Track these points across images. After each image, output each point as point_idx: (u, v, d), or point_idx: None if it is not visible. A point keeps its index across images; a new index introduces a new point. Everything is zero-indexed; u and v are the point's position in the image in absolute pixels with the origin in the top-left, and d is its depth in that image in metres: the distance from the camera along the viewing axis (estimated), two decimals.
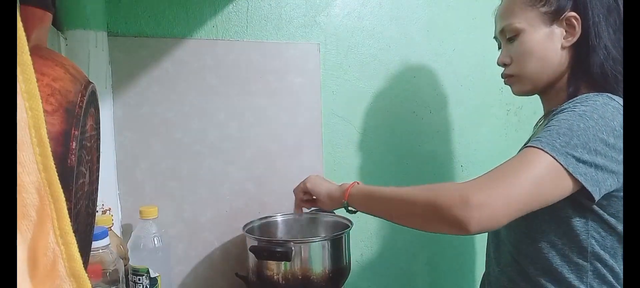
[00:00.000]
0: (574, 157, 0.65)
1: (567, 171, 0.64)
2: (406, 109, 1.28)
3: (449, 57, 1.32)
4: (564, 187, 0.65)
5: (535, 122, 1.01)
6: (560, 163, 0.64)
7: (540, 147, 0.65)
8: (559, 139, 0.65)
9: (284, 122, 1.15)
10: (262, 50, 1.12)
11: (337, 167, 1.22)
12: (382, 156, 1.26)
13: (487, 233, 0.94)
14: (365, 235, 1.27)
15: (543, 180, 0.64)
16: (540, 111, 0.94)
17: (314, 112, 1.18)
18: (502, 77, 0.86)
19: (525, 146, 0.71)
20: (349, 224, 1.03)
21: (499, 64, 0.85)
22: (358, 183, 0.87)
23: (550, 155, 0.64)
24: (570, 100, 0.74)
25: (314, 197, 0.96)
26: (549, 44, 0.78)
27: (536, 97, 0.88)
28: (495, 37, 0.88)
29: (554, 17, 0.77)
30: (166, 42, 1.04)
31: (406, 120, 1.28)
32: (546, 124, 0.71)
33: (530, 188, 0.64)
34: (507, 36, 0.81)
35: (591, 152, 0.65)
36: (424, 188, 0.71)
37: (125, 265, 0.86)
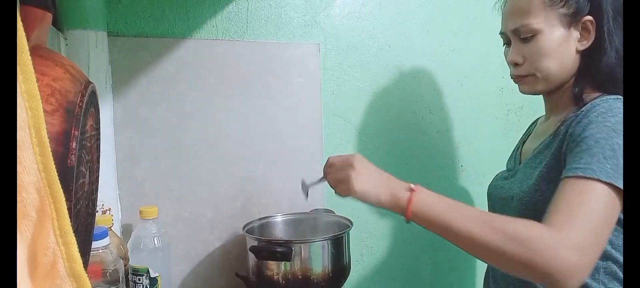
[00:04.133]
0: (623, 177, 0.65)
1: (622, 191, 0.64)
2: (406, 109, 1.28)
3: (449, 57, 1.32)
4: (620, 206, 0.66)
5: (535, 120, 1.01)
6: (618, 187, 0.64)
7: (597, 177, 0.64)
8: (608, 162, 0.65)
9: (284, 122, 1.15)
10: (262, 50, 1.12)
11: None
12: (382, 156, 1.26)
13: None
14: (365, 235, 1.27)
15: (612, 210, 0.65)
16: (541, 111, 0.94)
17: (314, 112, 1.18)
18: (511, 75, 0.85)
19: (564, 170, 0.69)
20: (349, 224, 1.03)
21: (509, 63, 0.84)
22: (416, 190, 0.73)
23: (609, 184, 0.64)
24: (593, 108, 0.72)
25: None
26: (565, 46, 0.78)
27: (538, 97, 0.88)
28: (501, 33, 0.86)
29: (572, 19, 0.77)
30: (166, 42, 1.04)
31: (406, 120, 1.28)
32: (580, 141, 0.69)
33: (609, 225, 0.65)
34: (522, 36, 0.79)
35: None
36: (510, 236, 0.64)
37: (125, 265, 0.86)
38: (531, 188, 0.77)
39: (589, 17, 0.76)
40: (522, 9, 0.79)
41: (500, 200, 0.87)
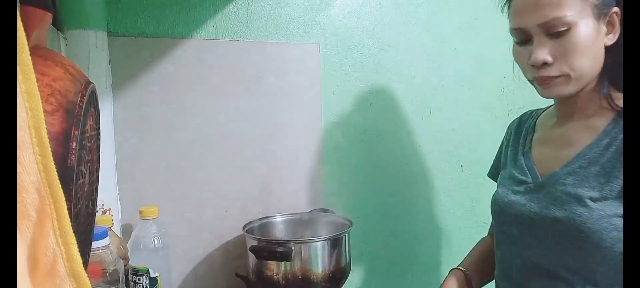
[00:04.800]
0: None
1: None
2: (406, 109, 1.28)
3: (449, 57, 1.32)
4: None
5: (520, 121, 0.90)
6: None
7: None
8: None
9: (284, 122, 1.15)
10: (262, 50, 1.12)
11: (337, 167, 1.22)
12: (382, 156, 1.26)
13: (495, 240, 0.85)
14: (365, 235, 1.27)
15: None
16: None
17: (314, 112, 1.18)
18: (532, 78, 0.74)
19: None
20: (349, 224, 1.03)
21: (533, 63, 0.71)
22: None
23: None
24: None
25: None
26: (597, 41, 0.70)
27: (537, 97, 0.82)
28: (516, 30, 0.74)
29: (600, 11, 0.69)
30: (166, 42, 1.04)
31: (406, 120, 1.28)
32: None
33: None
34: (554, 31, 0.68)
35: None
36: None
37: (125, 265, 0.86)
38: (599, 215, 0.66)
39: (616, 9, 0.69)
40: (553, 0, 0.68)
41: (526, 220, 0.75)
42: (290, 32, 1.15)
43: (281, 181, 1.16)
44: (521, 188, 0.78)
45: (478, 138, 1.37)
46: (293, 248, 0.91)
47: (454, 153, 1.35)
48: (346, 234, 1.00)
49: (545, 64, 0.70)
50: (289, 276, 0.93)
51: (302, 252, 0.93)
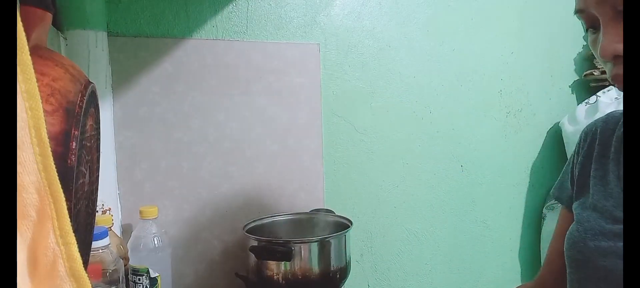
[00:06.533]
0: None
1: None
2: (406, 109, 1.28)
3: (449, 57, 1.32)
4: None
5: (595, 130, 0.63)
6: None
7: None
8: None
9: (284, 122, 1.15)
10: (262, 50, 1.12)
11: (337, 167, 1.22)
12: (382, 156, 1.26)
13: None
14: (365, 235, 1.27)
15: None
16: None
17: (314, 112, 1.18)
18: (612, 77, 0.51)
19: None
20: (349, 224, 1.03)
21: (604, 58, 0.49)
22: None
23: None
24: None
25: None
26: None
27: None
28: (578, 12, 0.52)
29: None
30: (166, 42, 1.04)
31: (406, 120, 1.28)
32: None
33: None
34: (622, 7, 0.47)
35: None
36: None
37: (125, 265, 0.86)
38: None
39: None
40: None
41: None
42: (290, 32, 1.15)
43: (281, 181, 1.16)
44: (618, 229, 0.53)
45: (478, 138, 1.37)
46: (293, 248, 0.91)
47: (454, 153, 1.35)
48: (346, 234, 1.00)
49: (618, 58, 0.47)
50: (289, 276, 0.93)
51: (302, 252, 0.93)
